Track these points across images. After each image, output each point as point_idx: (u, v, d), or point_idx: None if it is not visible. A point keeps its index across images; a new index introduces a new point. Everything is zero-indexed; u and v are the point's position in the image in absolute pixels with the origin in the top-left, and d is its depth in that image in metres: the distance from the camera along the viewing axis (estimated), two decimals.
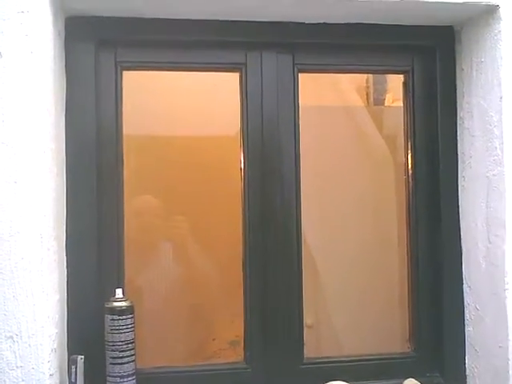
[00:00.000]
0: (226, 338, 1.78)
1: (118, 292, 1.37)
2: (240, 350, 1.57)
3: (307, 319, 1.62)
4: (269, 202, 1.55)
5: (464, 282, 1.59)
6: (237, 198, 1.58)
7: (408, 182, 1.66)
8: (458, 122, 1.61)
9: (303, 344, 1.56)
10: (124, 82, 1.52)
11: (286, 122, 1.57)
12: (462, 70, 1.58)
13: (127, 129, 1.53)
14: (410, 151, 1.65)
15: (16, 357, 1.25)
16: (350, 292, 1.75)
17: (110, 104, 1.50)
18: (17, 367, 1.25)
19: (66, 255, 1.43)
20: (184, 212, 1.84)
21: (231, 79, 1.60)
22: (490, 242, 1.49)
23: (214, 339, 1.87)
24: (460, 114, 1.60)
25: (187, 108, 1.89)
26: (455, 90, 1.61)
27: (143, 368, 1.45)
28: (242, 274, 1.56)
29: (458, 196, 1.60)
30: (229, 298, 1.69)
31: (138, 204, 1.80)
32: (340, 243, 1.90)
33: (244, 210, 1.56)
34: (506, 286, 1.44)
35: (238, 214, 1.57)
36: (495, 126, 1.47)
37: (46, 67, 1.30)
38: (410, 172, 1.65)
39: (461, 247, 1.60)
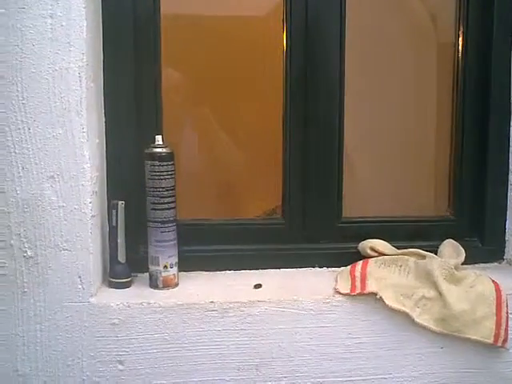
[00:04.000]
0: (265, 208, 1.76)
1: (158, 138, 1.34)
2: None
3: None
4: (312, 90, 1.49)
5: (511, 144, 1.53)
6: (277, 80, 1.51)
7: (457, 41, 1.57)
8: None
9: (342, 203, 1.54)
10: None
11: None
12: None
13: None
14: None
15: (58, 196, 1.24)
16: (391, 153, 1.71)
17: None
18: (59, 207, 1.25)
19: (104, 101, 1.38)
20: (221, 92, 1.78)
21: None
22: None
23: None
24: None
25: None
26: None
27: (181, 219, 1.43)
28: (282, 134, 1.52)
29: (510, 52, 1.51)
30: (269, 168, 1.66)
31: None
32: (380, 113, 1.83)
33: (286, 95, 1.50)
34: None
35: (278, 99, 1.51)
36: None
37: None
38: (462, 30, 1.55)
39: (510, 105, 1.52)
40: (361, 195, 1.71)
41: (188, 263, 1.43)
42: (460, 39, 1.56)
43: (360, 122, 1.73)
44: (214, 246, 1.48)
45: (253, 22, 1.77)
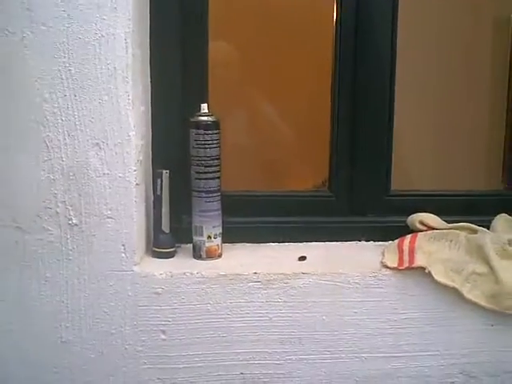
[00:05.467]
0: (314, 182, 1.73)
1: (204, 107, 1.32)
2: None
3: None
4: (362, 61, 1.44)
5: None
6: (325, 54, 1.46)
7: None
8: None
9: (391, 175, 1.49)
10: None
11: None
12: None
13: None
14: None
15: (103, 164, 1.24)
16: (443, 125, 1.65)
17: None
18: (103, 174, 1.24)
19: (151, 68, 1.36)
20: (269, 64, 1.75)
21: None
22: None
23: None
24: None
25: None
26: None
27: (226, 190, 1.41)
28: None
29: None
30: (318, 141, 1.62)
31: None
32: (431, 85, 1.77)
33: (334, 70, 1.45)
34: None
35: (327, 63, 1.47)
36: None
37: None
38: None
39: None
40: (411, 168, 1.67)
41: (232, 235, 1.41)
42: None
43: (411, 92, 1.67)
44: (259, 217, 1.45)
45: None
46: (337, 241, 1.46)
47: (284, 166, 1.84)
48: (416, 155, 1.67)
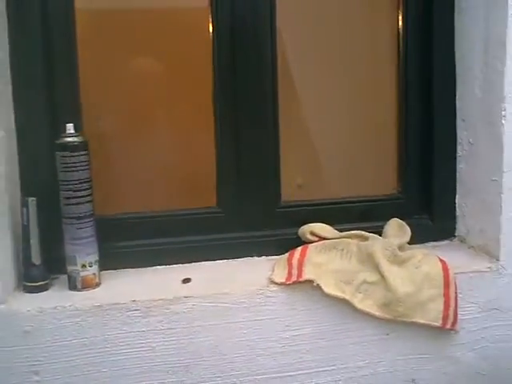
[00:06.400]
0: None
1: (69, 127, 1.23)
2: None
3: (297, 178, 1.49)
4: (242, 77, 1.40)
5: (457, 115, 1.45)
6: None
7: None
8: None
9: (280, 186, 1.44)
10: None
11: None
12: None
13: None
14: None
15: None
16: (333, 133, 1.60)
17: None
18: None
19: (12, 88, 1.27)
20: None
21: None
22: (487, 66, 1.33)
23: None
24: None
25: None
26: None
27: (105, 214, 1.33)
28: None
29: (453, 19, 1.42)
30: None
31: None
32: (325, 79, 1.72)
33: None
34: (503, 113, 1.30)
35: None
36: None
37: None
38: None
39: (455, 78, 1.44)
40: (306, 177, 1.61)
41: (115, 261, 1.33)
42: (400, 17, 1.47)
43: (298, 98, 1.62)
44: (143, 240, 1.37)
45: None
46: (228, 258, 1.40)
47: (194, 183, 1.74)
48: (310, 164, 1.61)
